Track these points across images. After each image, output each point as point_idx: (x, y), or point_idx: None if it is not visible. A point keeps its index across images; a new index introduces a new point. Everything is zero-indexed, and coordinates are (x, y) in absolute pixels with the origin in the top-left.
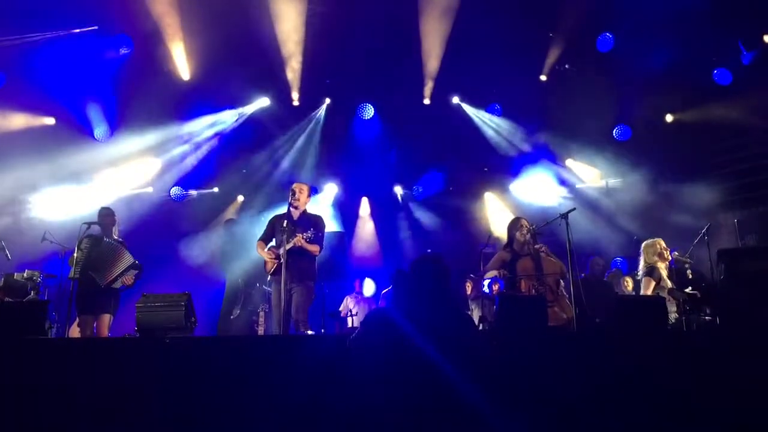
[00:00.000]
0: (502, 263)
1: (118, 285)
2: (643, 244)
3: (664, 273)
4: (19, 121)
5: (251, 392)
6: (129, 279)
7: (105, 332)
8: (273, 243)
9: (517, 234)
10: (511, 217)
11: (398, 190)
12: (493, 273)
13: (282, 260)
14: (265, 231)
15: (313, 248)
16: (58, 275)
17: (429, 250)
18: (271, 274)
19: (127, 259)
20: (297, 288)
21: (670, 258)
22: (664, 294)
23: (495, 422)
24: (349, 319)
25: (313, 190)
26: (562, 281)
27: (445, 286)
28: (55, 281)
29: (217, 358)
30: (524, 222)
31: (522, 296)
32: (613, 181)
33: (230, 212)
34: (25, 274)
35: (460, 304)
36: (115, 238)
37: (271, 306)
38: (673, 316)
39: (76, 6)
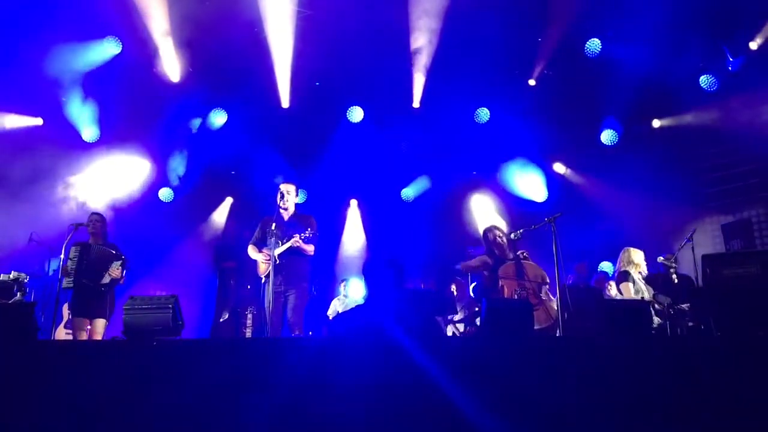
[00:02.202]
0: (484, 264)
1: (107, 280)
2: (622, 251)
3: (636, 277)
4: (6, 121)
5: (240, 395)
6: (115, 271)
7: (98, 337)
8: (267, 245)
9: (492, 242)
10: (495, 221)
11: (387, 192)
12: (465, 265)
13: (274, 263)
14: (256, 234)
15: (309, 248)
16: (44, 276)
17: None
18: (265, 277)
19: (108, 253)
20: (292, 290)
21: (643, 270)
22: (647, 297)
23: (482, 427)
24: None
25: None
26: (545, 285)
27: (393, 285)
28: (40, 282)
29: (204, 360)
30: (497, 230)
31: (508, 300)
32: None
33: (220, 214)
34: (11, 275)
35: (447, 305)
36: (100, 242)
37: (262, 308)
38: (655, 319)
39: (66, 9)
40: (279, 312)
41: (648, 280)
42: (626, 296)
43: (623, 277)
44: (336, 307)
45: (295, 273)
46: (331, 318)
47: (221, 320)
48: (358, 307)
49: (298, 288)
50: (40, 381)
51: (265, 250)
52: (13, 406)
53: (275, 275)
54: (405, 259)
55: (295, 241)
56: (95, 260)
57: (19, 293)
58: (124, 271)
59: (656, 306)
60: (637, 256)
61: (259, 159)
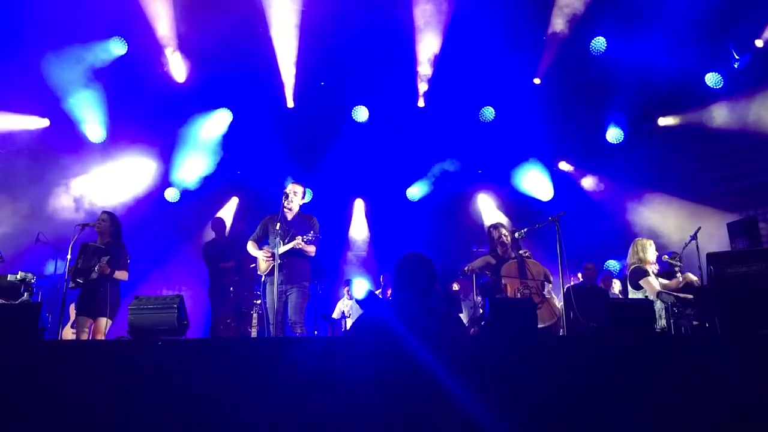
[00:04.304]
0: (486, 264)
1: (94, 276)
2: (633, 242)
3: (651, 270)
4: (13, 122)
5: (244, 395)
6: (105, 268)
7: (100, 336)
8: (269, 244)
9: (496, 240)
10: (500, 220)
11: (392, 191)
12: (468, 268)
13: (276, 262)
14: (257, 231)
15: (310, 249)
16: (51, 276)
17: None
18: (265, 275)
19: (100, 251)
20: (293, 289)
21: (653, 263)
22: (652, 296)
23: (487, 426)
24: (343, 322)
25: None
26: (548, 284)
27: (429, 284)
28: (48, 283)
29: (209, 360)
30: (502, 227)
31: (512, 299)
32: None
33: (225, 213)
34: (18, 276)
35: (453, 304)
36: (107, 241)
37: (265, 307)
38: (662, 314)
39: (72, 9)
40: (281, 311)
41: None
42: (650, 291)
43: (641, 273)
44: (341, 308)
45: (295, 272)
46: (336, 318)
47: (227, 312)
48: (373, 307)
49: (299, 287)
50: (47, 381)
51: (266, 248)
52: (20, 406)
53: (277, 274)
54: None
55: (297, 243)
56: (89, 259)
57: (26, 293)
58: (124, 268)
59: (662, 302)
60: (649, 250)
61: (264, 159)
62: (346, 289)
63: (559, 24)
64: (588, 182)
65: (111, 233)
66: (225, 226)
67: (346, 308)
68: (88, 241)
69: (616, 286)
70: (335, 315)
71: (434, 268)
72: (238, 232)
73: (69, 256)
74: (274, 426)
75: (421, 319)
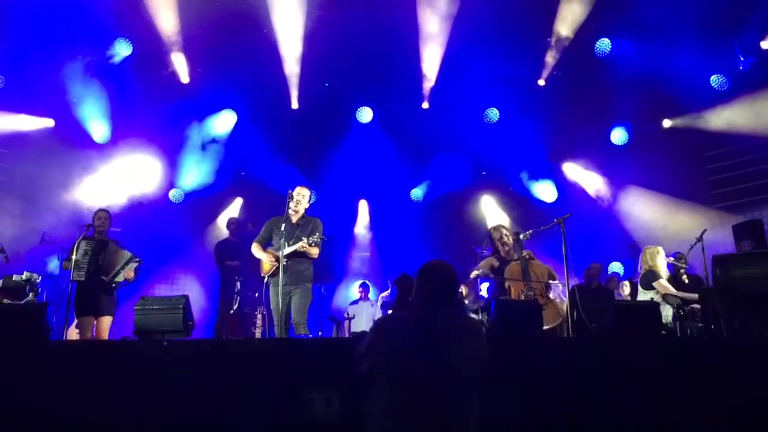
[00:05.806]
0: (490, 268)
1: (120, 279)
2: (643, 250)
3: (663, 275)
4: (18, 122)
5: (248, 395)
6: (130, 273)
7: (104, 335)
8: (273, 245)
9: (498, 241)
10: (504, 221)
11: (396, 192)
12: (477, 273)
13: (281, 263)
14: (262, 233)
15: (314, 251)
16: (56, 276)
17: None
18: (269, 276)
19: (126, 254)
20: (296, 290)
21: (663, 269)
22: (658, 298)
23: (492, 426)
24: (346, 323)
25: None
26: (554, 285)
27: (453, 292)
28: (53, 283)
29: (214, 360)
30: (503, 229)
31: (517, 301)
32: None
33: (228, 214)
34: (24, 276)
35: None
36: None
37: (269, 308)
38: (668, 314)
39: (77, 10)
40: (285, 312)
41: None
42: (663, 291)
43: (655, 275)
44: (355, 311)
45: (299, 274)
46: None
47: (231, 312)
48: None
49: (302, 288)
50: (52, 380)
51: (270, 250)
52: (25, 405)
53: (281, 276)
54: (413, 259)
55: (302, 245)
56: (111, 259)
57: (31, 293)
58: (137, 273)
59: (669, 305)
60: (658, 257)
61: (268, 160)
62: (360, 290)
63: (563, 26)
64: (599, 187)
65: (107, 232)
66: (237, 227)
67: (359, 310)
68: (91, 237)
69: (626, 288)
70: (349, 314)
71: (457, 276)
72: (246, 232)
73: (73, 256)
74: (276, 426)
75: (443, 327)
